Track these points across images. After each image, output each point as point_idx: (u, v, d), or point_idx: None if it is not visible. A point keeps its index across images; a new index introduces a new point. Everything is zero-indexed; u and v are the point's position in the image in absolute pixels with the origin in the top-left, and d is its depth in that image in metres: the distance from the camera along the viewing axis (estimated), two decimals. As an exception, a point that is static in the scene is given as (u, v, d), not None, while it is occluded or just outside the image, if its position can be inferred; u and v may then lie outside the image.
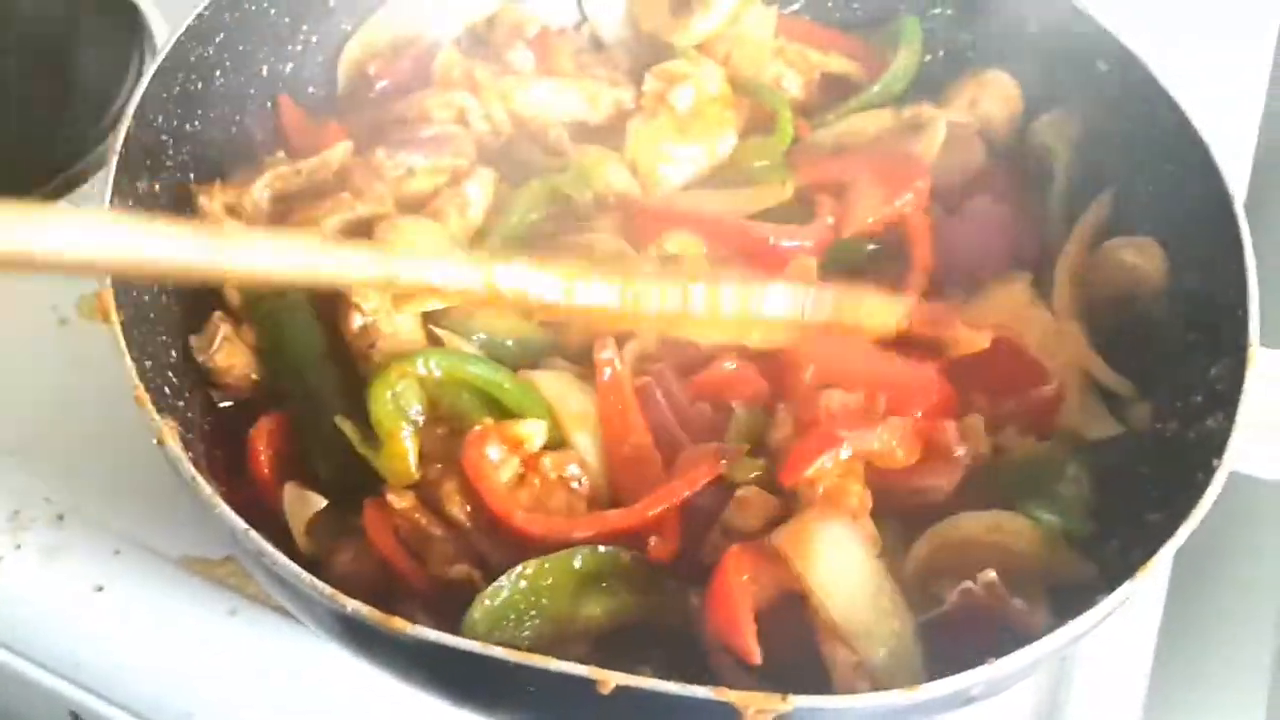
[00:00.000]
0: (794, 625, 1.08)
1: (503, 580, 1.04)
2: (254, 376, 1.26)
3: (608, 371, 1.21)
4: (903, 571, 1.15)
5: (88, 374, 1.44)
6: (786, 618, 1.08)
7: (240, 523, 0.98)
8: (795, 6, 1.65)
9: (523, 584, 1.05)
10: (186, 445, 1.10)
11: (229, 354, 1.24)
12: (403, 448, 1.14)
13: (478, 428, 1.13)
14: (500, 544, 1.14)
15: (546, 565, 1.06)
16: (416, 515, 1.13)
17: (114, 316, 1.09)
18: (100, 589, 1.30)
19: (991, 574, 1.07)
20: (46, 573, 1.31)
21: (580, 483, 1.17)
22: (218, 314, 1.27)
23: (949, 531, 1.17)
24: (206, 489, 1.00)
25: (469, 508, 1.13)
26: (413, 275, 1.01)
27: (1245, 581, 1.41)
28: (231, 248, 0.88)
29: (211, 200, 1.30)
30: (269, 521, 1.16)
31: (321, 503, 1.14)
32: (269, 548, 0.97)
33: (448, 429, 1.20)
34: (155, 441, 1.03)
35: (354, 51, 1.52)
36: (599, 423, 1.19)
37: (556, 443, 1.20)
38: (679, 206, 1.42)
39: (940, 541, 1.17)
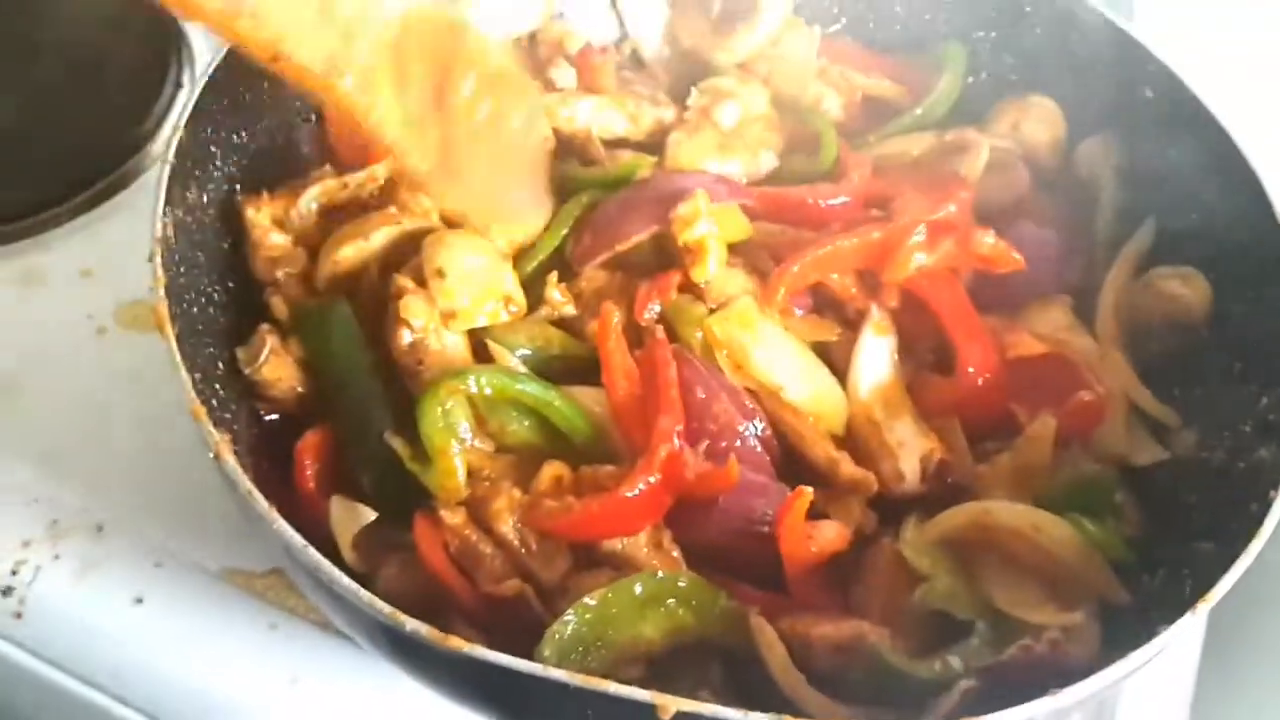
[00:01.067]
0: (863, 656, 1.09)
1: (569, 614, 1.03)
2: (300, 389, 1.25)
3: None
4: (926, 533, 1.17)
5: (126, 383, 1.44)
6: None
7: (298, 538, 0.98)
8: (837, 27, 1.65)
9: (588, 615, 1.04)
10: (238, 458, 1.10)
11: (275, 367, 1.24)
12: (452, 464, 1.14)
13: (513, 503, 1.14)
14: (549, 560, 1.13)
15: (610, 595, 1.05)
16: (467, 532, 1.12)
17: (169, 329, 1.09)
18: (140, 601, 1.29)
19: (1056, 633, 1.07)
20: (85, 584, 1.30)
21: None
22: (264, 326, 1.26)
23: (986, 515, 1.17)
24: (263, 503, 1.00)
25: (518, 525, 1.13)
26: None
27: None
28: None
29: (258, 212, 1.29)
30: (312, 535, 1.15)
31: (370, 515, 1.14)
32: (326, 564, 0.96)
33: (494, 445, 1.20)
34: (212, 456, 1.03)
35: None
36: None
37: (602, 457, 1.19)
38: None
39: (976, 520, 1.17)
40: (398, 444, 1.17)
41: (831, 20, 1.65)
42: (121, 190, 1.63)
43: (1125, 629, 1.12)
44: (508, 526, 1.13)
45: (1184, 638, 1.25)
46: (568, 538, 1.14)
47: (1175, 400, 1.31)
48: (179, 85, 1.76)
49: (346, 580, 0.95)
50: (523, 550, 1.14)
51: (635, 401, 1.20)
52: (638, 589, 1.06)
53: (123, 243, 1.56)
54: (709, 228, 1.27)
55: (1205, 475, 1.24)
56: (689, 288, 1.30)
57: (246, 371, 1.24)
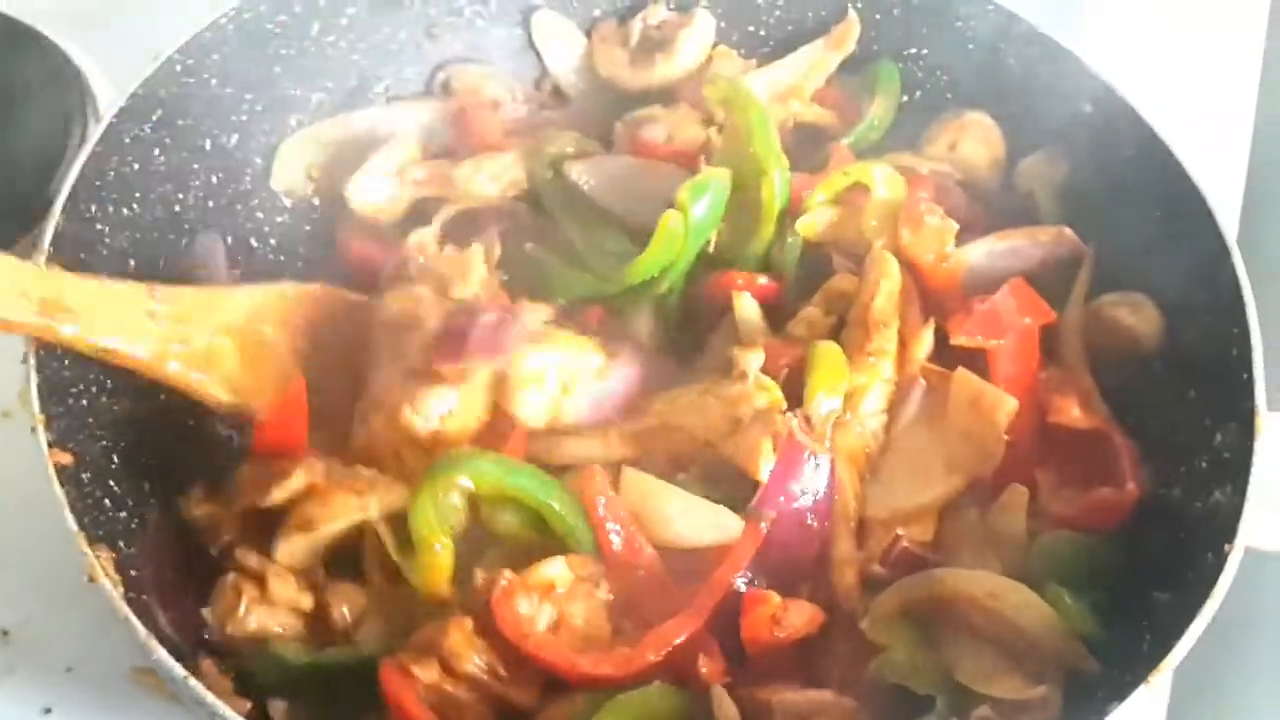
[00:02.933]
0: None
1: None
2: (306, 626, 1.13)
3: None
4: (882, 606, 1.12)
5: (33, 472, 1.35)
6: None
7: (179, 669, 0.91)
8: (766, 50, 1.57)
9: None
10: (125, 565, 1.03)
11: (263, 617, 1.11)
12: (438, 560, 1.09)
13: (503, 582, 1.06)
14: (525, 684, 1.08)
15: None
16: (446, 685, 1.04)
17: (42, 435, 1.02)
18: (48, 711, 1.22)
19: (985, 710, 1.02)
20: (-9, 695, 1.23)
21: (599, 585, 1.11)
22: (230, 577, 1.13)
23: (939, 584, 1.12)
24: (142, 631, 0.93)
25: (480, 659, 1.06)
26: None
27: (1255, 653, 1.34)
28: None
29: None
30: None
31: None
32: (210, 696, 0.89)
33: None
34: (86, 579, 0.96)
35: (292, 152, 1.45)
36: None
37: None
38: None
39: (931, 592, 1.12)
40: (384, 531, 1.11)
41: (759, 44, 1.58)
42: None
43: (1080, 687, 1.07)
44: (472, 664, 1.06)
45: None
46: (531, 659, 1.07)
47: (1131, 430, 1.25)
48: (84, 141, 1.68)
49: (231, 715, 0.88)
50: (495, 682, 1.07)
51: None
52: None
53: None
54: None
55: (1162, 515, 1.18)
56: None
57: (229, 632, 1.10)
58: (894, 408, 1.22)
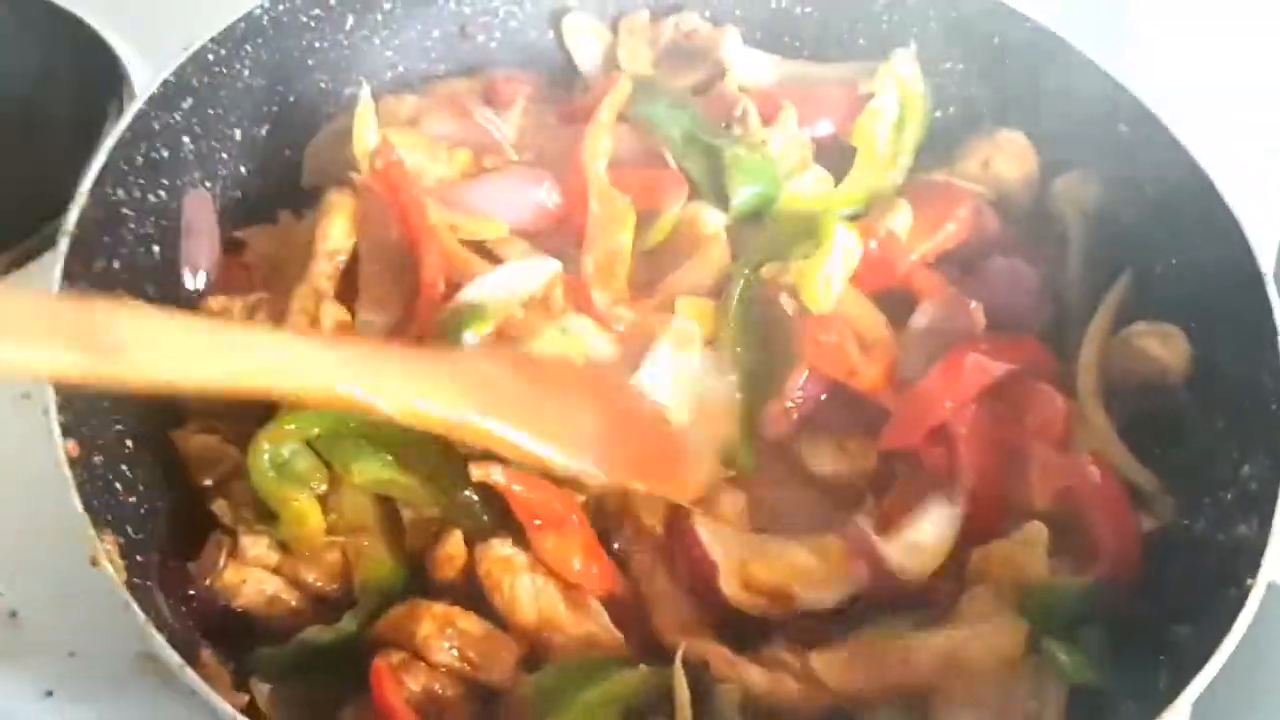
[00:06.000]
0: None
1: None
2: (274, 595, 1.12)
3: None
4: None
5: (46, 458, 1.36)
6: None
7: (176, 657, 0.91)
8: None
9: None
10: (130, 550, 1.04)
11: (238, 574, 1.11)
12: (301, 508, 1.09)
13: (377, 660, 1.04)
14: (496, 663, 1.07)
15: None
16: (435, 685, 1.04)
17: (54, 418, 1.02)
18: (49, 694, 1.22)
19: None
20: (-5, 674, 1.23)
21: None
22: (216, 535, 1.14)
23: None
24: (141, 616, 0.92)
25: (452, 647, 1.05)
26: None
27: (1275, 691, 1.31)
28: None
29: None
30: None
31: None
32: (204, 687, 0.89)
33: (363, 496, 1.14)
34: (90, 561, 0.95)
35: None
36: None
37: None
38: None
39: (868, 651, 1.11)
40: (221, 507, 1.12)
41: (793, 53, 1.57)
42: (48, 250, 1.54)
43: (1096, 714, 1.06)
44: (444, 652, 1.05)
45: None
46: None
47: (1154, 462, 1.23)
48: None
49: (223, 704, 0.88)
50: (467, 667, 1.06)
51: None
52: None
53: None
54: None
55: (1186, 546, 1.16)
56: None
57: (206, 582, 1.11)
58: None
